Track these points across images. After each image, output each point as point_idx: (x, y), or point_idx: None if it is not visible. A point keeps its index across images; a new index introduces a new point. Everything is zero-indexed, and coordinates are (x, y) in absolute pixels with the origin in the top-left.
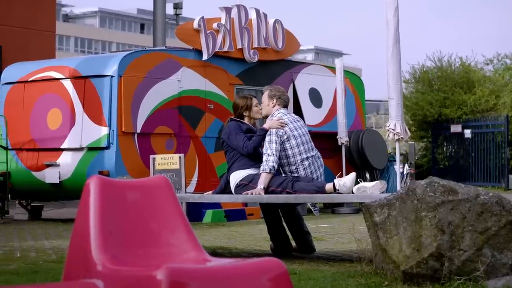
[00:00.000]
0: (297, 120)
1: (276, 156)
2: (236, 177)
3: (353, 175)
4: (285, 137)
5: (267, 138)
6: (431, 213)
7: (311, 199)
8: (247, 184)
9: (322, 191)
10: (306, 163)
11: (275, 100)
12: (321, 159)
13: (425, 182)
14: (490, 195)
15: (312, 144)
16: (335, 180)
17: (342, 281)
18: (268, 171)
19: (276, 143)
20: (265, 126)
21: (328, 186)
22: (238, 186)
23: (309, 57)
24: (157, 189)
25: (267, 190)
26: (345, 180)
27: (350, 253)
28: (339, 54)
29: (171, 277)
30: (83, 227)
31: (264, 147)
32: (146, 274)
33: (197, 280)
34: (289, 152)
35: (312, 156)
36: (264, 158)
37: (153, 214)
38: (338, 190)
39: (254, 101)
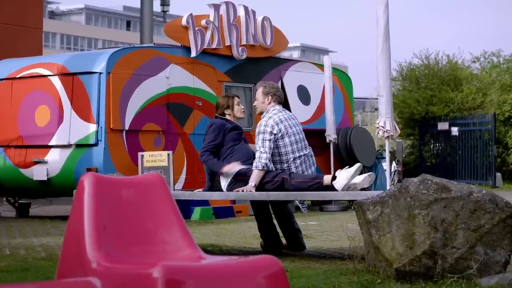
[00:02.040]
0: (292, 118)
1: (269, 153)
2: (227, 175)
3: (358, 165)
4: (280, 135)
5: (260, 136)
6: (424, 211)
7: (303, 196)
8: (242, 178)
9: (320, 179)
10: (298, 161)
11: (270, 97)
12: (313, 158)
13: (418, 180)
14: (483, 192)
15: (306, 142)
16: (338, 170)
17: (334, 278)
18: (260, 168)
19: (270, 140)
20: (224, 169)
21: (327, 177)
22: (231, 183)
23: (295, 54)
24: (151, 186)
25: (261, 183)
26: (349, 169)
27: (341, 250)
28: (325, 51)
29: (167, 275)
30: (77, 225)
31: (257, 144)
32: (142, 272)
33: (193, 278)
34: (282, 150)
35: (304, 154)
36: (257, 155)
37: (148, 211)
38: (336, 177)
39: (236, 100)
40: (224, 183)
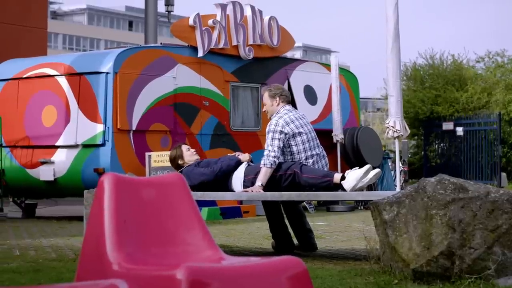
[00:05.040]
0: (303, 117)
1: (278, 152)
2: (238, 177)
3: (367, 167)
4: (291, 134)
5: (270, 135)
6: (442, 211)
7: (316, 197)
8: (255, 176)
9: (330, 177)
10: (310, 161)
11: (278, 98)
12: (326, 158)
13: (435, 180)
14: (500, 192)
15: (318, 141)
16: (347, 171)
17: (350, 279)
18: (268, 166)
19: (279, 140)
20: (241, 157)
21: (337, 175)
22: (245, 183)
23: (297, 54)
24: (172, 186)
25: (274, 177)
26: (359, 169)
27: (353, 251)
28: (327, 51)
29: (191, 276)
30: (97, 225)
31: (266, 143)
32: (165, 273)
33: (217, 279)
34: (294, 149)
35: (317, 154)
36: (265, 153)
37: (169, 212)
38: (345, 177)
39: (184, 147)
40: (238, 183)
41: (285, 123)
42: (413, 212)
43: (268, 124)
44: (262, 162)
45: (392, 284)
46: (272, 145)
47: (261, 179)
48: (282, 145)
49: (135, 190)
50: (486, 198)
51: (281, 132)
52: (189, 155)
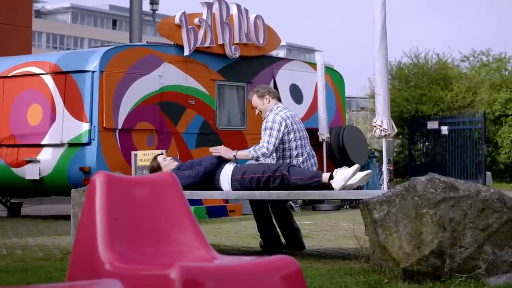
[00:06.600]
0: (296, 115)
1: (272, 150)
2: (226, 176)
3: (356, 167)
4: (286, 130)
5: (267, 131)
6: (432, 210)
7: (305, 196)
8: (242, 176)
9: (319, 177)
10: (300, 159)
11: (267, 96)
12: (315, 158)
13: (426, 179)
14: (491, 191)
15: (308, 140)
16: (336, 169)
17: (339, 278)
18: (255, 157)
19: (277, 138)
20: (222, 154)
21: (325, 175)
22: (233, 182)
23: (281, 53)
24: (164, 185)
25: (262, 179)
26: (347, 169)
27: (341, 250)
28: (311, 50)
29: (185, 275)
30: (89, 225)
31: (263, 138)
32: (158, 273)
33: (210, 278)
34: (286, 145)
35: (307, 153)
36: (260, 145)
37: (161, 211)
38: (334, 176)
39: (160, 158)
40: (226, 182)
41: (282, 119)
42: (404, 211)
43: (265, 121)
44: (252, 149)
45: (383, 283)
46: (268, 142)
47: (239, 154)
48: (277, 143)
49: (127, 189)
50: (476, 197)
51: (278, 130)
52: (167, 164)
